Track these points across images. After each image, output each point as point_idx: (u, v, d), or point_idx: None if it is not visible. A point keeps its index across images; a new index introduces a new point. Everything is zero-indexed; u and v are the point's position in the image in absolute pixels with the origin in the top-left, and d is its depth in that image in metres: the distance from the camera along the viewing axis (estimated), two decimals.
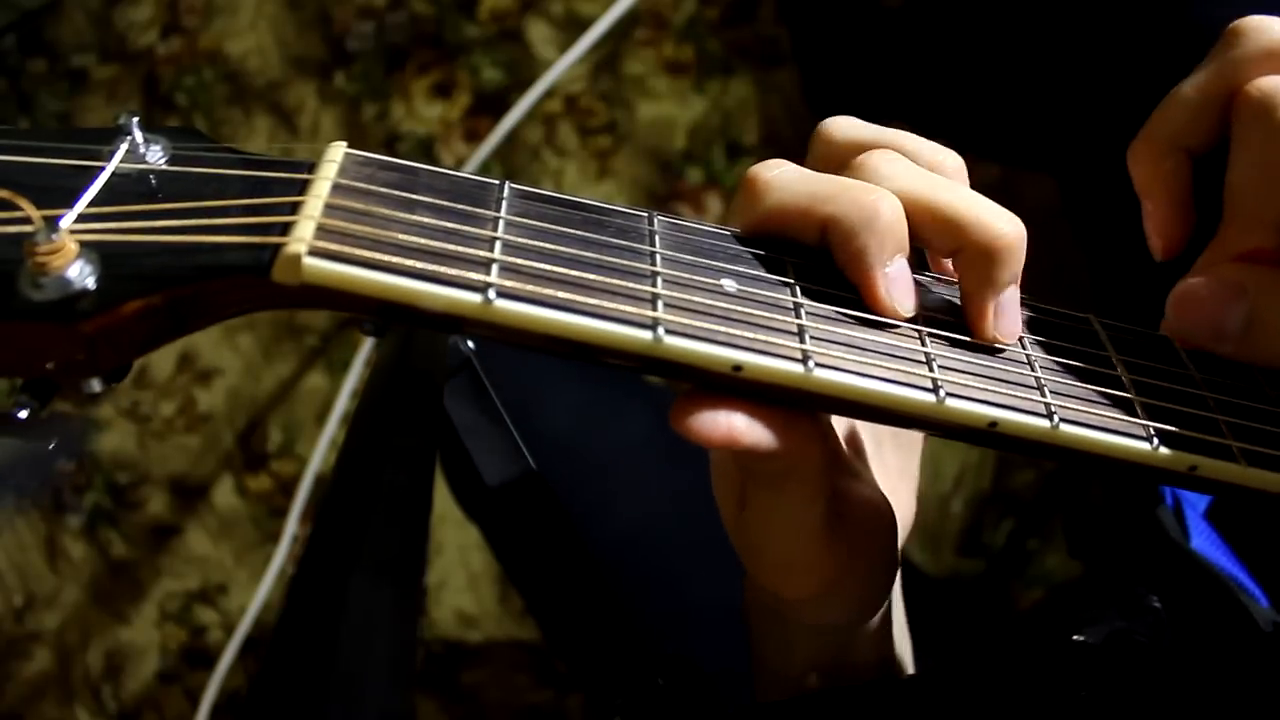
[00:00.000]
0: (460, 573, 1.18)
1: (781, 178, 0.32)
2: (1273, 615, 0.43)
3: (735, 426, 0.29)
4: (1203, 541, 0.46)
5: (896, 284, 0.31)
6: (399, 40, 1.26)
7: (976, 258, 0.32)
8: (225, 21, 1.29)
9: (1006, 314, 0.32)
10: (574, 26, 1.21)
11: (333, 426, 1.16)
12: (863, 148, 0.34)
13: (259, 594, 1.15)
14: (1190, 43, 0.57)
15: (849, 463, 0.38)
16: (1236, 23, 0.34)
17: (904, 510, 0.41)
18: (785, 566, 0.35)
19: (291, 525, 1.15)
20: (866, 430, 0.41)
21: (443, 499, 0.70)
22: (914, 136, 0.34)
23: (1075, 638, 0.38)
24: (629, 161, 1.21)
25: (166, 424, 1.24)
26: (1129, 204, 0.37)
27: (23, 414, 0.26)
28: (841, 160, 0.34)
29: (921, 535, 1.12)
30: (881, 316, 0.31)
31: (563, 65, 1.15)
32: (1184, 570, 0.44)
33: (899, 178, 0.32)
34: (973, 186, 0.33)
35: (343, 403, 1.16)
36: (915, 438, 0.43)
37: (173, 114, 1.28)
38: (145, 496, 1.24)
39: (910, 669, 0.45)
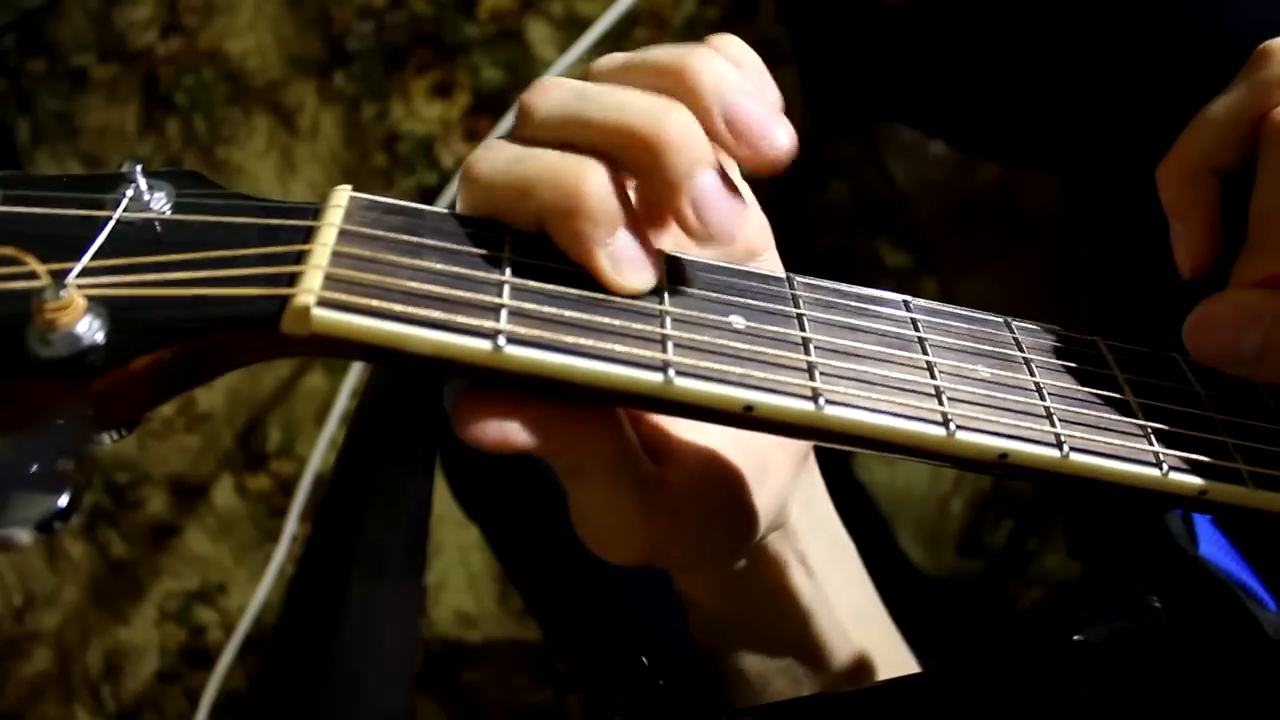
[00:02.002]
0: (460, 573, 1.18)
1: (487, 164, 0.31)
2: (1278, 619, 0.43)
3: (506, 431, 0.28)
4: (1211, 547, 0.46)
5: (624, 261, 0.30)
6: (399, 40, 1.26)
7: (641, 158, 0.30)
8: (225, 21, 1.28)
9: (709, 207, 0.30)
10: (574, 26, 1.21)
11: (332, 426, 1.16)
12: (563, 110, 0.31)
13: (259, 594, 1.15)
14: (1195, 44, 0.57)
15: (675, 428, 0.36)
16: (1266, 44, 0.34)
17: (789, 447, 0.39)
18: (594, 536, 0.34)
19: (291, 525, 1.15)
20: None
21: (443, 499, 0.70)
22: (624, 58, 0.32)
23: (1075, 638, 0.38)
24: None
25: (166, 424, 1.24)
26: (1133, 204, 0.37)
27: (35, 468, 0.26)
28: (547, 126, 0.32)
29: (922, 535, 1.12)
30: (615, 294, 0.30)
31: (563, 65, 1.15)
32: (1190, 577, 0.44)
33: (592, 115, 0.30)
34: (972, 186, 0.33)
35: (342, 402, 1.16)
36: None
37: (172, 114, 1.28)
38: (145, 496, 1.24)
39: (856, 620, 0.44)
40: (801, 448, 0.40)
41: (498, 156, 0.31)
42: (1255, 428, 0.34)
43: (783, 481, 0.39)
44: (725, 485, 0.36)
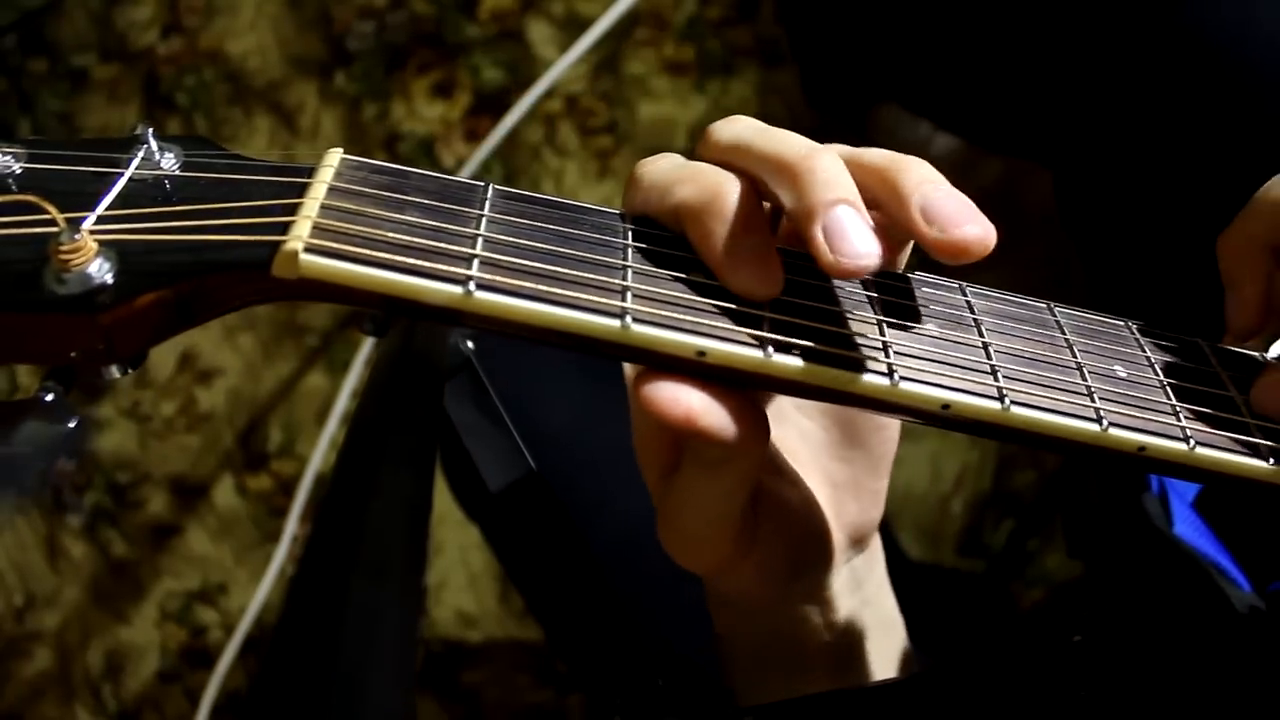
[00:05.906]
0: (460, 573, 1.18)
1: (651, 167, 0.34)
2: (1252, 599, 0.44)
3: (694, 408, 0.30)
4: (1185, 528, 0.47)
5: (742, 263, 0.32)
6: (399, 40, 1.26)
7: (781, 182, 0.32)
8: (225, 21, 1.29)
9: (840, 235, 0.31)
10: (574, 26, 1.21)
11: (333, 426, 1.16)
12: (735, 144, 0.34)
13: (259, 594, 1.15)
14: (1176, 45, 0.57)
15: (781, 463, 0.39)
16: None
17: (846, 521, 0.41)
18: (690, 539, 0.36)
19: (291, 525, 1.15)
20: (816, 436, 0.41)
21: (443, 499, 0.70)
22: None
23: (1075, 638, 0.39)
24: (629, 161, 1.21)
25: (167, 424, 1.24)
26: (1120, 197, 0.38)
27: (49, 397, 0.29)
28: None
29: (922, 535, 1.12)
30: (740, 295, 0.32)
31: (563, 65, 1.15)
32: (1166, 555, 0.45)
33: (747, 149, 0.33)
34: (973, 185, 0.34)
35: (343, 402, 1.16)
36: (884, 455, 0.42)
37: (173, 114, 1.28)
38: (145, 496, 1.24)
39: (878, 665, 0.44)
40: (873, 526, 0.43)
41: (664, 161, 0.34)
42: (1199, 391, 0.35)
43: (864, 532, 0.42)
44: (809, 521, 0.39)
